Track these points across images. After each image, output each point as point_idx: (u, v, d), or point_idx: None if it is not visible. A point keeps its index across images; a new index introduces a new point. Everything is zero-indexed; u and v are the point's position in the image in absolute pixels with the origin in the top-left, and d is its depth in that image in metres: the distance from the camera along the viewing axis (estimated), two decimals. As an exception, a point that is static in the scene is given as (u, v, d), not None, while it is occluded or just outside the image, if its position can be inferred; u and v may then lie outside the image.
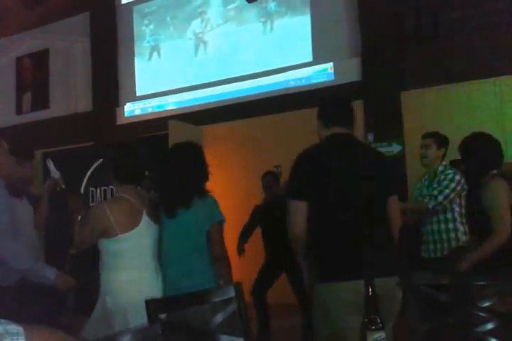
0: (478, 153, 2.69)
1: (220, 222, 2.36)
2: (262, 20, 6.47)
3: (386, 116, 5.48)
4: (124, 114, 7.26)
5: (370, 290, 1.23)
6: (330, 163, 1.93)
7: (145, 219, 2.31)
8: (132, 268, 2.26)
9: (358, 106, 5.60)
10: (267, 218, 4.13)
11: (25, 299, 2.31)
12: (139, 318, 1.94)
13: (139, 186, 2.45)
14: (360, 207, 1.93)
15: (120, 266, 2.25)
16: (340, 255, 1.88)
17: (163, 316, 1.50)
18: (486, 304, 1.57)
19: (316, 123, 2.10)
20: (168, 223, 2.33)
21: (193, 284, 2.15)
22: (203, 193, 2.36)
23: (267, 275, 4.07)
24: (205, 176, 2.41)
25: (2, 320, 0.79)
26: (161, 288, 2.29)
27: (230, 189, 4.74)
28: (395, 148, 5.43)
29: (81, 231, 2.31)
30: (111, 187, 5.34)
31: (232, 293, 1.70)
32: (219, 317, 1.61)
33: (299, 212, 1.91)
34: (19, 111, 8.09)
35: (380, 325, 1.20)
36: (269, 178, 4.40)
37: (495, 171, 2.65)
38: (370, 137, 5.54)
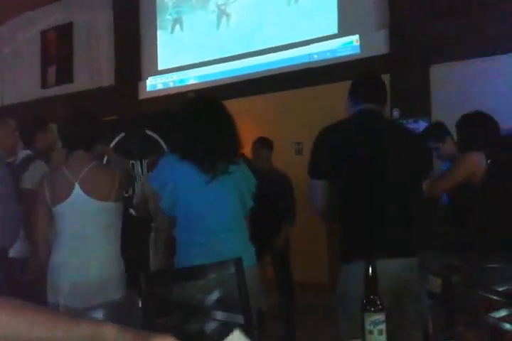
0: (463, 132, 2.66)
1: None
2: (287, -10, 6.24)
3: (413, 91, 5.27)
4: (146, 88, 7.22)
5: (370, 269, 1.15)
6: (353, 140, 1.88)
7: (77, 191, 2.18)
8: (71, 242, 2.20)
9: (384, 80, 5.41)
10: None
11: None
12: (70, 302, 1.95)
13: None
14: (385, 185, 1.86)
15: (60, 237, 2.22)
16: (365, 233, 1.83)
17: (156, 290, 1.46)
18: (502, 288, 1.47)
19: (346, 101, 2.05)
20: (203, 188, 1.99)
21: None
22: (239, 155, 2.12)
23: None
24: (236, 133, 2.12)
25: None
26: (93, 276, 2.16)
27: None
28: (422, 125, 5.23)
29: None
30: (132, 161, 5.32)
31: (231, 269, 1.65)
32: (216, 294, 1.56)
33: (320, 190, 1.91)
34: (44, 85, 8.14)
35: (380, 306, 1.12)
36: (259, 145, 3.91)
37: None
38: (396, 113, 5.36)
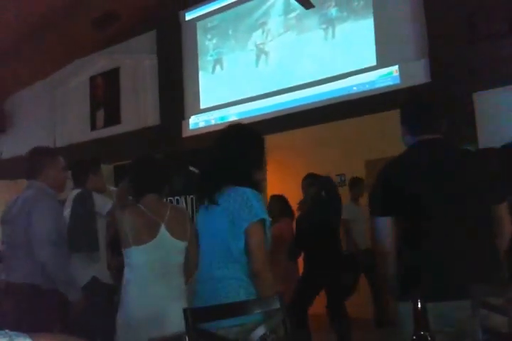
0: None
1: (262, 222, 1.75)
2: (323, 26, 6.36)
3: (458, 118, 5.16)
4: (189, 126, 7.41)
5: (418, 303, 1.09)
6: (417, 176, 1.80)
7: (163, 232, 2.23)
8: (144, 284, 2.19)
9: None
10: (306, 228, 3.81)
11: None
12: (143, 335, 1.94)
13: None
14: (458, 221, 1.78)
15: (134, 280, 2.21)
16: (439, 272, 1.75)
17: (201, 326, 1.44)
18: None
19: (400, 128, 1.97)
20: (201, 221, 1.93)
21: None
22: (243, 182, 1.79)
23: (307, 292, 3.76)
24: (252, 162, 1.87)
25: (11, 333, 0.75)
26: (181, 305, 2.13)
27: (292, 199, 4.63)
28: (468, 153, 5.09)
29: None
30: (177, 197, 5.41)
31: (276, 305, 1.61)
32: (261, 330, 1.52)
33: (385, 228, 1.83)
34: (93, 127, 8.50)
35: (431, 343, 1.06)
36: (309, 182, 3.86)
37: None
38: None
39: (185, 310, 1.43)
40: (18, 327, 0.79)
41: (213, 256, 1.79)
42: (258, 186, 1.83)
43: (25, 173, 2.62)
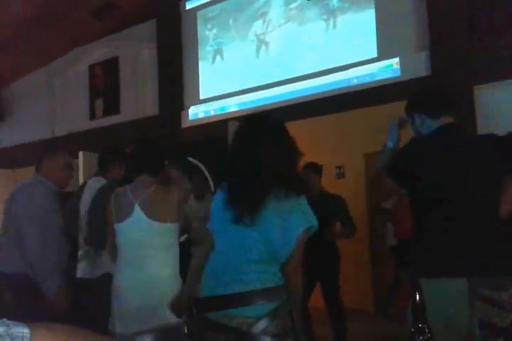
0: None
1: (310, 230, 1.67)
2: (325, 17, 6.32)
3: (458, 112, 5.15)
4: (188, 117, 7.39)
5: (417, 295, 1.11)
6: (440, 155, 1.89)
7: (137, 211, 2.28)
8: (120, 264, 2.29)
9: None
10: None
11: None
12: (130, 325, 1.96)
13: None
14: (474, 202, 1.85)
15: (119, 258, 2.30)
16: (454, 248, 1.79)
17: (204, 315, 1.45)
18: None
19: (415, 119, 2.04)
20: (229, 227, 1.69)
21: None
22: (291, 189, 1.62)
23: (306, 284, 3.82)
24: (292, 161, 1.69)
25: (9, 322, 0.75)
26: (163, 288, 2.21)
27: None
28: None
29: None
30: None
31: (281, 297, 1.61)
32: (264, 322, 1.53)
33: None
34: (92, 116, 8.48)
35: (429, 335, 1.07)
36: (308, 170, 3.78)
37: None
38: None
39: (189, 300, 1.44)
40: (13, 317, 0.80)
41: (241, 260, 1.66)
42: (304, 186, 1.73)
43: (35, 165, 2.65)
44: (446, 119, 1.98)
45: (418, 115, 2.02)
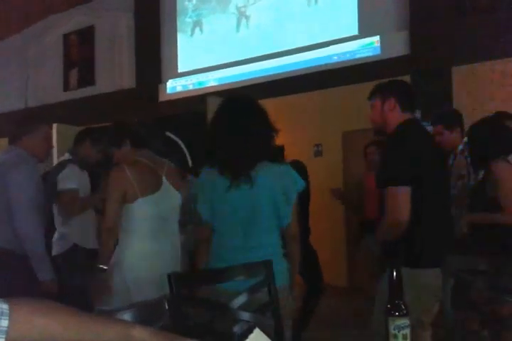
0: (477, 141, 2.60)
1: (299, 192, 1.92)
2: (307, -8, 6.24)
3: (435, 92, 5.21)
4: (166, 90, 7.28)
5: (394, 274, 1.15)
6: (426, 149, 1.96)
7: (165, 184, 2.24)
8: (150, 239, 2.18)
9: (405, 81, 5.36)
10: None
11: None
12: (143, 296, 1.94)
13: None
14: (444, 191, 2.00)
15: (138, 234, 2.19)
16: (436, 241, 1.89)
17: (185, 291, 1.47)
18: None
19: (387, 103, 2.01)
20: (229, 194, 1.85)
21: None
22: (275, 156, 1.93)
23: None
24: (271, 136, 1.92)
25: None
26: (179, 263, 2.22)
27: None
28: (443, 127, 5.18)
29: (109, 204, 2.23)
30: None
31: (262, 273, 1.64)
32: (245, 296, 1.56)
33: (406, 198, 1.85)
34: (67, 87, 8.27)
35: (405, 311, 1.12)
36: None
37: (497, 159, 2.46)
38: (418, 114, 5.29)
39: (169, 275, 1.45)
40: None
41: (250, 228, 1.86)
42: (282, 156, 2.04)
43: (9, 137, 2.56)
44: (411, 115, 2.02)
45: (395, 100, 2.00)
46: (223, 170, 1.84)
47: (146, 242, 2.19)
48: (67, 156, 3.14)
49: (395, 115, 1.98)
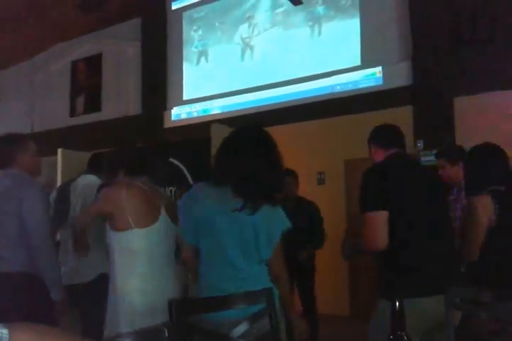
0: (469, 169, 2.60)
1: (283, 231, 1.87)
2: (310, 24, 6.39)
3: (437, 122, 5.26)
4: (171, 117, 7.37)
5: (396, 305, 1.14)
6: (403, 177, 2.02)
7: (163, 216, 2.12)
8: (147, 274, 2.07)
9: (407, 111, 5.44)
10: None
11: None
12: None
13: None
14: (435, 220, 2.00)
15: (134, 268, 2.08)
16: (423, 269, 1.90)
17: (185, 319, 1.45)
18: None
19: (370, 150, 2.23)
20: (226, 222, 1.80)
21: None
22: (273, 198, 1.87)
23: None
24: (278, 172, 1.90)
25: None
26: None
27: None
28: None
29: (89, 208, 2.23)
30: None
31: (263, 301, 1.63)
32: (246, 324, 1.54)
33: (382, 223, 1.91)
34: (73, 113, 8.37)
35: (407, 343, 1.10)
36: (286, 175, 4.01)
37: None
38: (420, 145, 5.33)
39: (170, 302, 1.43)
40: (8, 317, 0.80)
41: (240, 257, 1.80)
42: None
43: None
44: (394, 150, 2.15)
45: (373, 145, 2.21)
46: (237, 191, 1.78)
47: (138, 282, 2.08)
48: (96, 180, 3.03)
49: (380, 155, 2.17)
